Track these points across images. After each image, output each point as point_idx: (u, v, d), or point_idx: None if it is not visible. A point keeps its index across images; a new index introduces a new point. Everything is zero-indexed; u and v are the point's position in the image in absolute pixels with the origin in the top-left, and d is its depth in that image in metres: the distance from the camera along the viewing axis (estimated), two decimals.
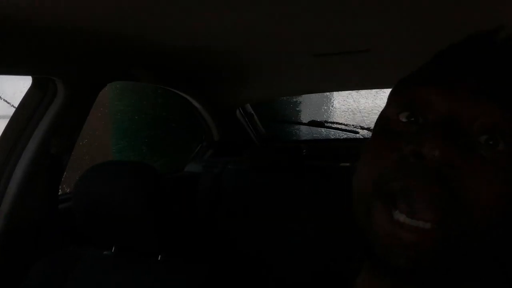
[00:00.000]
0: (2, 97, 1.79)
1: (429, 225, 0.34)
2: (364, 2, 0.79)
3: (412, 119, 0.38)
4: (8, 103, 1.65)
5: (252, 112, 2.35)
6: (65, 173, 1.28)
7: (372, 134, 0.42)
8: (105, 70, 1.27)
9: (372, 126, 0.41)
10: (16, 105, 1.18)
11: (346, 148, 2.09)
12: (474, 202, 0.33)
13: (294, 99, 3.63)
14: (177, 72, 1.55)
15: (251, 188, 1.79)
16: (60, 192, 1.31)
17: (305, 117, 3.61)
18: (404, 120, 0.38)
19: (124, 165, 1.03)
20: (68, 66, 1.12)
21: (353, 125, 2.24)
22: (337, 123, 2.26)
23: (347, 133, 2.26)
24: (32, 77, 1.13)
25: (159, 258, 1.02)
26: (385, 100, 0.43)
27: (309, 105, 3.82)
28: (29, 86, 1.16)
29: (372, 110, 3.00)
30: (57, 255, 1.07)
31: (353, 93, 3.15)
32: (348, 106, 3.59)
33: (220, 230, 1.77)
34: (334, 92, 3.89)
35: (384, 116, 0.41)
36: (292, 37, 1.11)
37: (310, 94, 3.55)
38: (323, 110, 3.96)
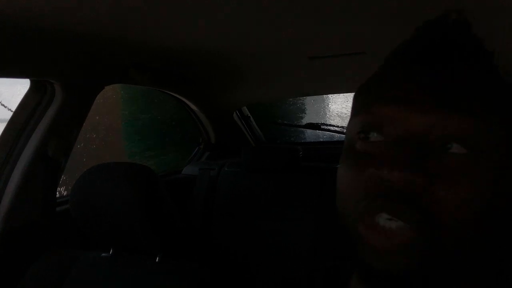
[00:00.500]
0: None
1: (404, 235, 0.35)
2: (359, 5, 0.80)
3: (372, 134, 0.39)
4: (5, 106, 1.65)
5: (249, 114, 2.36)
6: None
7: (342, 154, 0.43)
8: (102, 73, 1.27)
9: None
10: (14, 108, 1.18)
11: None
12: (444, 211, 0.34)
13: (291, 102, 3.65)
14: (173, 75, 1.55)
15: (247, 189, 1.80)
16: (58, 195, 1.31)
17: (302, 120, 3.63)
18: (365, 139, 0.39)
19: (121, 167, 1.03)
20: (66, 69, 1.12)
21: None
22: (333, 125, 2.28)
23: (343, 135, 2.27)
24: (30, 80, 1.14)
25: (156, 260, 1.03)
26: None
27: (306, 108, 3.85)
28: (27, 89, 1.16)
29: None
30: (54, 257, 1.07)
31: (349, 96, 3.17)
32: (346, 109, 3.61)
33: (216, 232, 1.78)
34: (331, 95, 3.92)
35: (348, 137, 0.42)
36: (287, 40, 1.13)
37: (307, 97, 3.58)
38: (320, 112, 3.99)
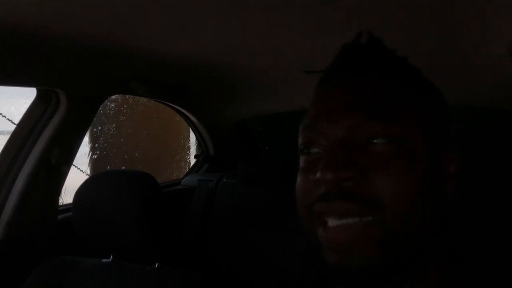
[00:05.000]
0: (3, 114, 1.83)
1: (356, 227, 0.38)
2: (355, 19, 0.82)
3: (309, 149, 0.44)
4: (9, 120, 1.68)
5: (248, 126, 2.39)
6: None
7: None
8: (105, 84, 1.30)
9: None
10: (16, 121, 1.21)
11: None
12: (383, 197, 0.38)
13: (291, 114, 3.67)
14: (174, 87, 1.59)
15: (245, 201, 1.81)
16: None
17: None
18: (306, 152, 0.44)
19: (124, 174, 1.05)
20: (71, 79, 1.15)
21: None
22: None
23: None
24: (37, 89, 1.17)
25: (156, 266, 1.04)
26: None
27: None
28: (30, 102, 1.20)
29: None
30: (54, 263, 1.08)
31: None
32: None
33: (214, 242, 1.79)
34: None
35: (299, 153, 0.47)
36: (284, 54, 1.15)
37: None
38: None
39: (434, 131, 0.42)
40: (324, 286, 0.52)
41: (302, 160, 0.45)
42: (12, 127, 1.23)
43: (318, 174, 0.38)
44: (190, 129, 2.27)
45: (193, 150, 4.11)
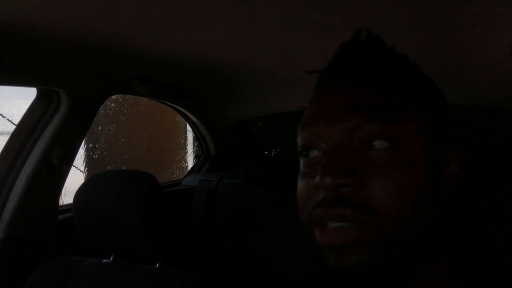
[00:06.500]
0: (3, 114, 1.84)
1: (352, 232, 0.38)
2: (356, 18, 0.82)
3: (307, 151, 0.44)
4: (9, 120, 1.69)
5: (249, 127, 2.39)
6: None
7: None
8: (106, 84, 1.31)
9: None
10: (16, 122, 1.21)
11: None
12: (380, 205, 0.38)
13: (292, 114, 3.68)
14: (174, 87, 1.59)
15: (246, 201, 1.81)
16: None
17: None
18: (305, 155, 0.44)
19: (125, 174, 1.05)
20: (71, 78, 1.15)
21: None
22: None
23: None
24: (37, 89, 1.17)
25: (157, 266, 1.04)
26: None
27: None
28: (29, 102, 1.20)
29: None
30: (55, 263, 1.08)
31: None
32: None
33: (215, 242, 1.79)
34: None
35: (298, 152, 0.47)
36: (284, 54, 1.16)
37: None
38: None
39: (435, 131, 0.42)
40: (325, 286, 0.52)
41: (302, 163, 0.45)
42: (12, 128, 1.23)
43: (317, 179, 0.39)
44: (187, 129, 2.28)
45: (189, 150, 4.12)
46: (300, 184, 0.44)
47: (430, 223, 0.41)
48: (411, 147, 0.40)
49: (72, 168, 1.33)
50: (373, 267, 0.38)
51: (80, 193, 1.04)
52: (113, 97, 3.40)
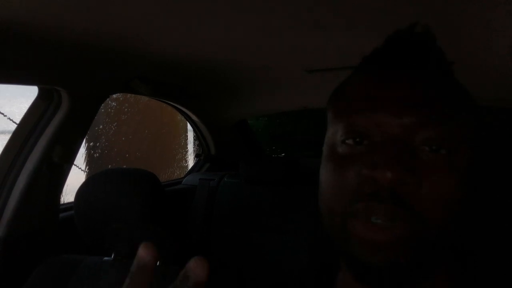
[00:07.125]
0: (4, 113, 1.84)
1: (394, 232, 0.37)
2: (357, 18, 0.83)
3: (358, 140, 0.40)
4: (10, 119, 1.69)
5: (249, 126, 2.40)
6: None
7: (323, 160, 0.44)
8: (107, 83, 1.31)
9: None
10: (17, 121, 1.22)
11: None
12: (429, 209, 0.37)
13: (293, 114, 3.68)
14: (175, 87, 1.59)
15: (247, 200, 1.82)
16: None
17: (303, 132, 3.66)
18: (350, 143, 0.40)
19: (126, 173, 1.05)
20: (72, 77, 1.16)
21: None
22: None
23: None
24: (39, 88, 1.18)
25: (157, 264, 1.04)
26: None
27: (307, 120, 3.89)
28: (31, 101, 1.20)
29: None
30: (56, 262, 1.08)
31: None
32: None
33: (215, 241, 1.79)
34: None
35: (329, 143, 0.43)
36: (285, 53, 1.16)
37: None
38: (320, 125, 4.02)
39: (474, 140, 0.41)
40: (326, 286, 0.52)
41: (339, 150, 0.41)
42: (13, 127, 1.23)
43: (376, 171, 0.36)
44: (188, 128, 2.29)
45: (190, 149, 4.13)
46: (336, 171, 0.41)
47: (458, 227, 0.40)
48: (464, 155, 0.38)
49: (73, 166, 1.33)
50: (402, 267, 0.38)
51: (81, 192, 1.04)
52: (114, 96, 3.43)
